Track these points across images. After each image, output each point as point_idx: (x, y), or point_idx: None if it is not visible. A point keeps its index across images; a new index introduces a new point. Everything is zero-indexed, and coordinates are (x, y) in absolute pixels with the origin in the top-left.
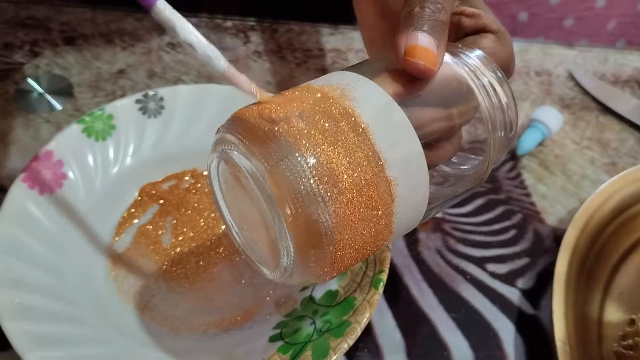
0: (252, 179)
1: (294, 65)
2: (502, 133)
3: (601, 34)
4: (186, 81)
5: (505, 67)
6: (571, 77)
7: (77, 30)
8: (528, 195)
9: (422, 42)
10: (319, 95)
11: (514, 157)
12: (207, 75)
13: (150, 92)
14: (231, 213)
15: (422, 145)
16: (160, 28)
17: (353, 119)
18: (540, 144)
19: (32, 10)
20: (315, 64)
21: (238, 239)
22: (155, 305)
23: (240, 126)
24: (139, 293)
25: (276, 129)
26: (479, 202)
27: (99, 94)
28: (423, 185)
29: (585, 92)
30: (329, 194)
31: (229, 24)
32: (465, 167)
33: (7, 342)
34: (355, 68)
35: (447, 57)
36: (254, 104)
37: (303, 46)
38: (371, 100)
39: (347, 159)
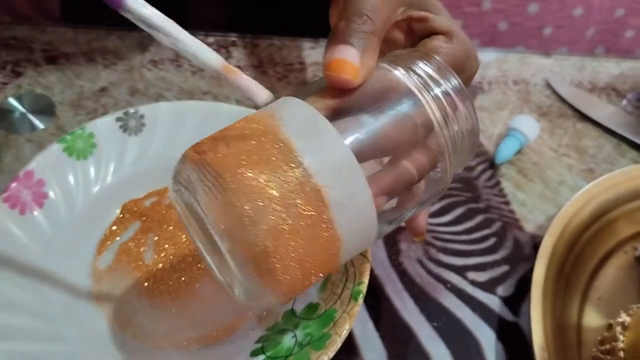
0: (189, 209)
1: (275, 79)
2: (458, 144)
3: (580, 41)
4: (168, 97)
5: (460, 65)
6: (548, 86)
7: (60, 49)
8: (507, 203)
9: (340, 55)
10: (251, 122)
11: (492, 165)
12: (189, 92)
13: (131, 110)
14: (198, 238)
15: (380, 162)
16: (142, 45)
17: (276, 135)
18: (519, 152)
19: (15, 30)
20: (297, 77)
21: (210, 263)
22: (137, 322)
23: (180, 163)
24: (121, 310)
25: (204, 157)
26: (459, 211)
27: (81, 112)
28: (362, 189)
29: (563, 100)
30: (252, 211)
31: (210, 39)
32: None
33: None
34: (297, 91)
35: (398, 72)
36: (205, 142)
37: (284, 60)
38: (295, 117)
39: (269, 173)
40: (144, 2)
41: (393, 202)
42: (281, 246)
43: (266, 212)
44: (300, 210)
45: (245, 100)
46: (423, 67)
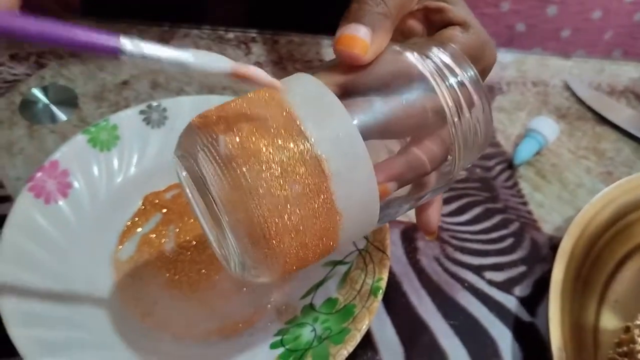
0: (191, 175)
1: None
2: (470, 136)
3: (598, 44)
4: (189, 92)
5: (476, 56)
6: (567, 88)
7: None
8: (525, 204)
9: (351, 32)
10: (259, 92)
11: (511, 166)
12: (209, 86)
13: (154, 103)
14: (199, 208)
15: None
16: (163, 39)
17: (280, 105)
18: (537, 153)
19: None
20: None
21: (211, 237)
22: (157, 313)
23: (185, 129)
24: (141, 300)
25: (207, 122)
26: (476, 210)
27: (103, 104)
28: (362, 161)
29: (581, 102)
30: (249, 174)
31: (230, 35)
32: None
33: (14, 348)
34: (311, 68)
35: (412, 56)
36: (211, 111)
37: (304, 57)
38: (302, 88)
39: (270, 140)
40: (139, 41)
41: (403, 190)
42: (277, 212)
43: (264, 177)
44: (299, 179)
45: None
46: (438, 54)
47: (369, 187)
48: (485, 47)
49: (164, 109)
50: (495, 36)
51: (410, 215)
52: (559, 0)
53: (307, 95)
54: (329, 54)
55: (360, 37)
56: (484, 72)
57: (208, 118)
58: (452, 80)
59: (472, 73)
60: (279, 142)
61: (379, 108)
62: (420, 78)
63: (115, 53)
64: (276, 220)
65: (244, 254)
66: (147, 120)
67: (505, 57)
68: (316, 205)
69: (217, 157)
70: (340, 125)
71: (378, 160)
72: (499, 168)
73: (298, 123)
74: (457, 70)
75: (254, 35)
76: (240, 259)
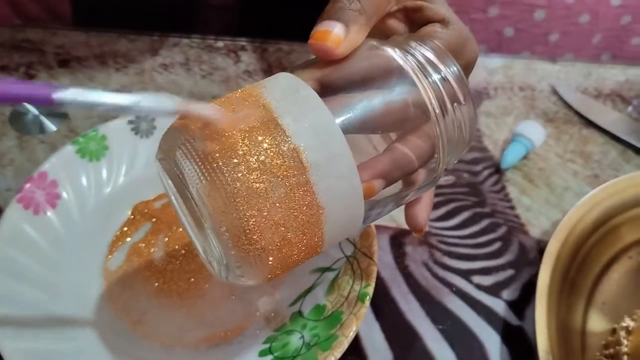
0: (172, 178)
1: None
2: (454, 133)
3: (586, 48)
4: None
5: (457, 51)
6: (554, 92)
7: (71, 52)
8: (512, 207)
9: (323, 27)
10: (240, 91)
11: (498, 170)
12: (199, 95)
13: None
14: (183, 213)
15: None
16: (153, 49)
17: (257, 99)
18: (524, 157)
19: (28, 33)
20: None
21: (196, 243)
22: (147, 322)
23: (165, 131)
24: (131, 309)
25: (185, 122)
26: (464, 215)
27: (92, 115)
28: (342, 152)
29: (568, 106)
30: (226, 167)
31: (220, 44)
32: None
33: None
34: (292, 67)
35: (392, 51)
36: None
37: (292, 65)
38: (279, 84)
39: (247, 133)
40: (73, 89)
41: (389, 189)
42: (256, 206)
43: (241, 170)
44: (276, 171)
45: None
46: (419, 50)
47: (351, 179)
48: (466, 43)
49: (153, 119)
50: (484, 41)
51: (398, 221)
52: (547, 5)
53: (284, 89)
54: None
55: (332, 32)
56: (467, 67)
57: (186, 119)
58: (435, 76)
59: (455, 68)
60: (256, 135)
61: (357, 101)
62: (401, 73)
63: (49, 102)
64: (255, 213)
65: (226, 253)
66: (136, 130)
67: (492, 62)
68: (297, 198)
69: (194, 153)
70: (318, 116)
71: (364, 158)
72: (486, 172)
73: (275, 116)
74: (439, 65)
75: (244, 43)
76: (224, 259)
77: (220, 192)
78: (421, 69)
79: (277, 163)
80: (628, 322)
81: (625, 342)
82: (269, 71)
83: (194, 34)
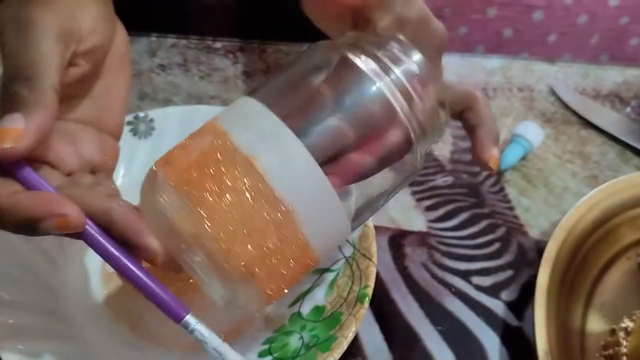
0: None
1: None
2: (426, 126)
3: (585, 49)
4: (176, 102)
5: (421, 28)
6: (552, 92)
7: None
8: (511, 208)
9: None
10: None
11: (497, 171)
12: (197, 96)
13: (141, 114)
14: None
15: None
16: (151, 50)
17: (213, 126)
18: (523, 158)
19: None
20: None
21: (203, 287)
22: (146, 323)
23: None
24: (130, 311)
25: (163, 160)
26: (463, 216)
27: None
28: (296, 150)
29: (567, 107)
30: (186, 187)
31: (218, 45)
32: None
33: None
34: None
35: (353, 56)
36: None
37: None
38: (232, 106)
39: (201, 151)
40: (203, 327)
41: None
42: (222, 223)
43: (199, 187)
44: (235, 185)
45: None
46: (385, 51)
47: (314, 176)
48: (428, 22)
49: (151, 120)
50: (483, 42)
51: (397, 222)
52: (545, 6)
53: (232, 109)
54: None
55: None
56: (439, 49)
57: (166, 156)
58: (399, 73)
59: (419, 58)
60: (210, 153)
61: (320, 114)
62: (368, 82)
63: (178, 322)
64: (223, 228)
65: (217, 280)
66: (134, 131)
67: (491, 63)
68: (260, 206)
69: (165, 181)
70: (261, 122)
71: (329, 147)
72: (485, 173)
73: (223, 131)
74: (402, 57)
75: (242, 44)
76: (220, 289)
77: (187, 214)
78: (385, 70)
79: (233, 174)
80: (627, 322)
81: (624, 342)
82: (267, 72)
83: (192, 35)
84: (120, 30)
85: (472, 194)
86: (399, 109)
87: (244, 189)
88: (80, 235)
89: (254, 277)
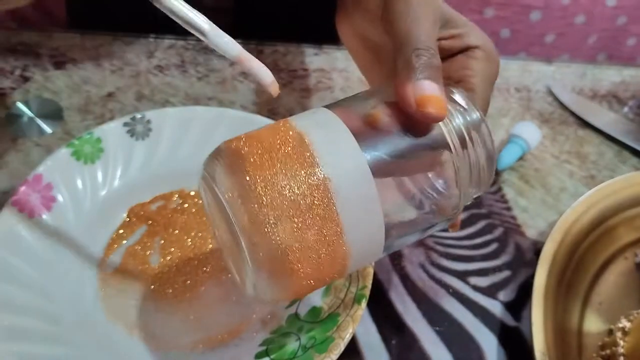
0: (214, 198)
1: (280, 85)
2: (474, 174)
3: (582, 49)
4: (174, 103)
5: (495, 77)
6: (550, 93)
7: (67, 55)
8: (509, 209)
9: (430, 91)
10: (280, 124)
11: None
12: (195, 97)
13: (138, 115)
14: (219, 228)
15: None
16: (149, 51)
17: (291, 129)
18: (520, 158)
19: (23, 36)
20: (301, 84)
21: (226, 254)
22: (143, 325)
23: (217, 155)
24: (127, 313)
25: (230, 148)
26: (461, 216)
27: (88, 117)
28: (369, 194)
29: (564, 107)
30: (264, 193)
31: None
32: (438, 198)
33: None
34: (335, 103)
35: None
36: (234, 138)
37: (288, 67)
38: (313, 117)
39: (284, 161)
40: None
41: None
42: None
43: (278, 203)
44: (306, 200)
45: (250, 105)
46: (465, 108)
47: (375, 217)
48: (496, 63)
49: (148, 121)
50: None
51: None
52: (543, 6)
53: (318, 123)
54: (313, 63)
55: (439, 97)
56: (494, 79)
57: (234, 146)
58: (458, 121)
59: (477, 116)
60: (292, 164)
61: (389, 145)
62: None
63: None
64: (287, 238)
65: (255, 270)
66: (132, 133)
67: None
68: (324, 229)
69: (234, 180)
70: (348, 151)
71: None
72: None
73: (307, 143)
74: (466, 114)
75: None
76: (253, 278)
77: (258, 227)
78: (449, 117)
79: (305, 192)
80: (624, 322)
81: (621, 342)
82: None
83: (189, 35)
84: None
85: None
86: (454, 153)
87: (310, 205)
88: None
89: (292, 271)
